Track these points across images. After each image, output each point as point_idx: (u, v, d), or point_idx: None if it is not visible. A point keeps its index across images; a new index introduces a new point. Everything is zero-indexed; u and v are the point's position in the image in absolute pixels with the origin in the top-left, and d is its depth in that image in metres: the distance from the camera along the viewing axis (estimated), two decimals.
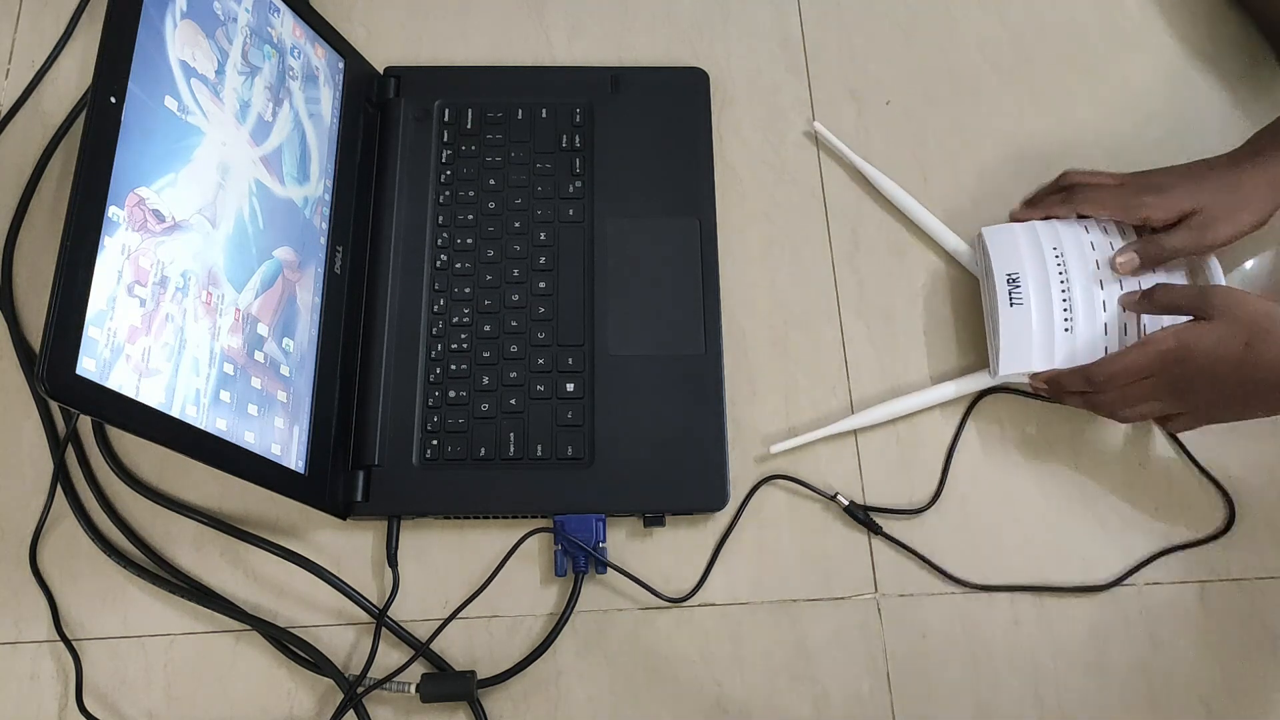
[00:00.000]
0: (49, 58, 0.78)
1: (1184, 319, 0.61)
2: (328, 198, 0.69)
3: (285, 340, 0.63)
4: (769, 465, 0.69)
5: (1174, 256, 0.65)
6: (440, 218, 0.73)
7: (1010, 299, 0.66)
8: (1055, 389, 0.66)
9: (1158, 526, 0.68)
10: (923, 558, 0.67)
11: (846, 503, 0.67)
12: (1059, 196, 0.69)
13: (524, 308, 0.71)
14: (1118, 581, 0.66)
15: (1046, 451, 0.70)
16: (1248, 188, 0.64)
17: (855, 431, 0.70)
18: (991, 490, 0.69)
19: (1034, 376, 0.67)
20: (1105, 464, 0.69)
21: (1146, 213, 0.65)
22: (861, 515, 0.67)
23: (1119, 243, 0.67)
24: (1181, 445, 0.69)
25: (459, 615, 0.64)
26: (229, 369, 0.58)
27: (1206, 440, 0.69)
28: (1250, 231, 0.64)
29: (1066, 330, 0.65)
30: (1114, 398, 0.63)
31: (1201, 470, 0.69)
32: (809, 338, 0.72)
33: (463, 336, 0.70)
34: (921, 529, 0.68)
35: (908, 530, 0.68)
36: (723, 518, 0.68)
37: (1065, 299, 0.66)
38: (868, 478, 0.69)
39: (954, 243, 0.74)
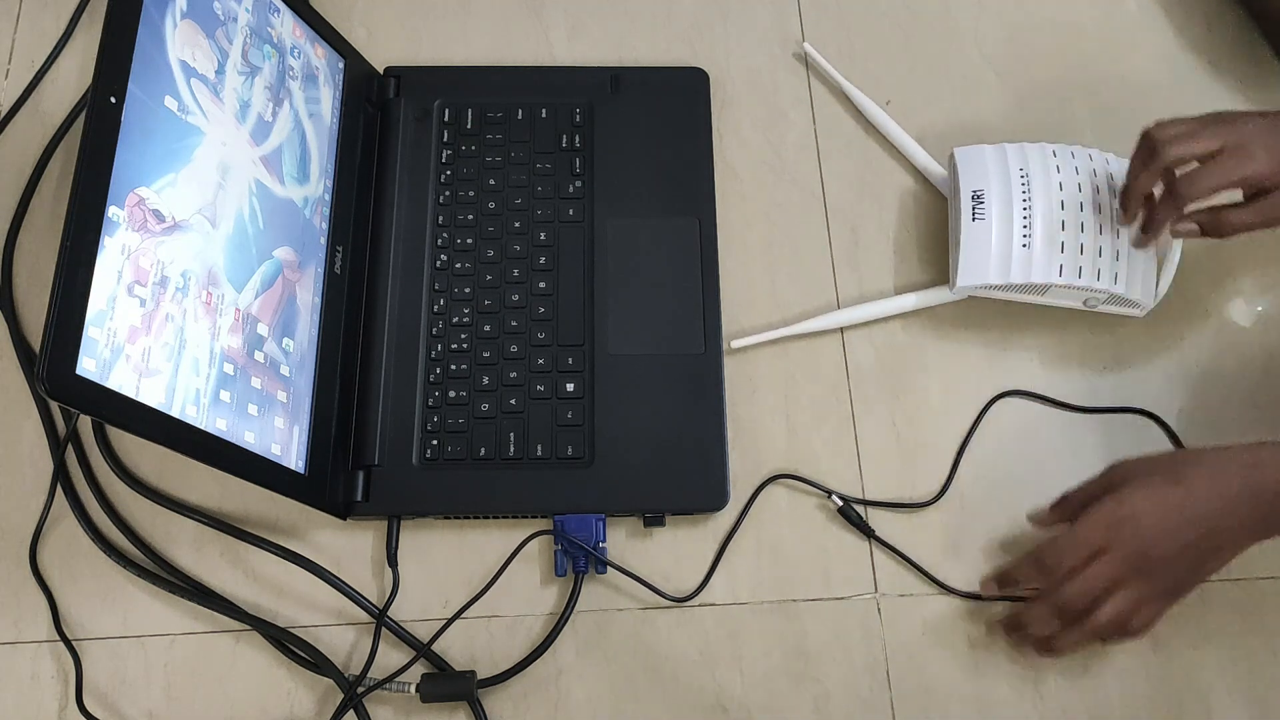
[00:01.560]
0: (49, 58, 0.78)
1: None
2: (328, 198, 0.69)
3: (285, 340, 0.63)
4: (734, 360, 0.70)
5: (1241, 232, 0.62)
6: (440, 218, 0.73)
7: (973, 214, 0.68)
8: (1009, 586, 0.64)
9: None
10: (915, 565, 0.67)
11: (840, 504, 0.67)
12: (1166, 201, 0.63)
13: (524, 308, 0.71)
14: None
15: (1054, 455, 0.70)
16: None
17: (833, 330, 0.72)
18: (995, 490, 0.69)
19: (984, 584, 0.65)
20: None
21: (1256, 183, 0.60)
22: (855, 517, 0.67)
23: (1085, 166, 0.69)
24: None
25: (459, 616, 0.64)
26: (229, 369, 0.58)
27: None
28: None
29: (1024, 246, 0.67)
30: (1077, 589, 0.59)
31: None
32: (809, 337, 0.72)
33: (463, 336, 0.70)
34: (922, 525, 0.68)
35: (909, 525, 0.68)
36: (723, 518, 0.68)
37: (1026, 217, 0.67)
38: (868, 475, 0.69)
39: (933, 167, 0.75)
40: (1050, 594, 0.60)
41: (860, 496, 0.68)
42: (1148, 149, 0.63)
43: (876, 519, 0.68)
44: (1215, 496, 0.57)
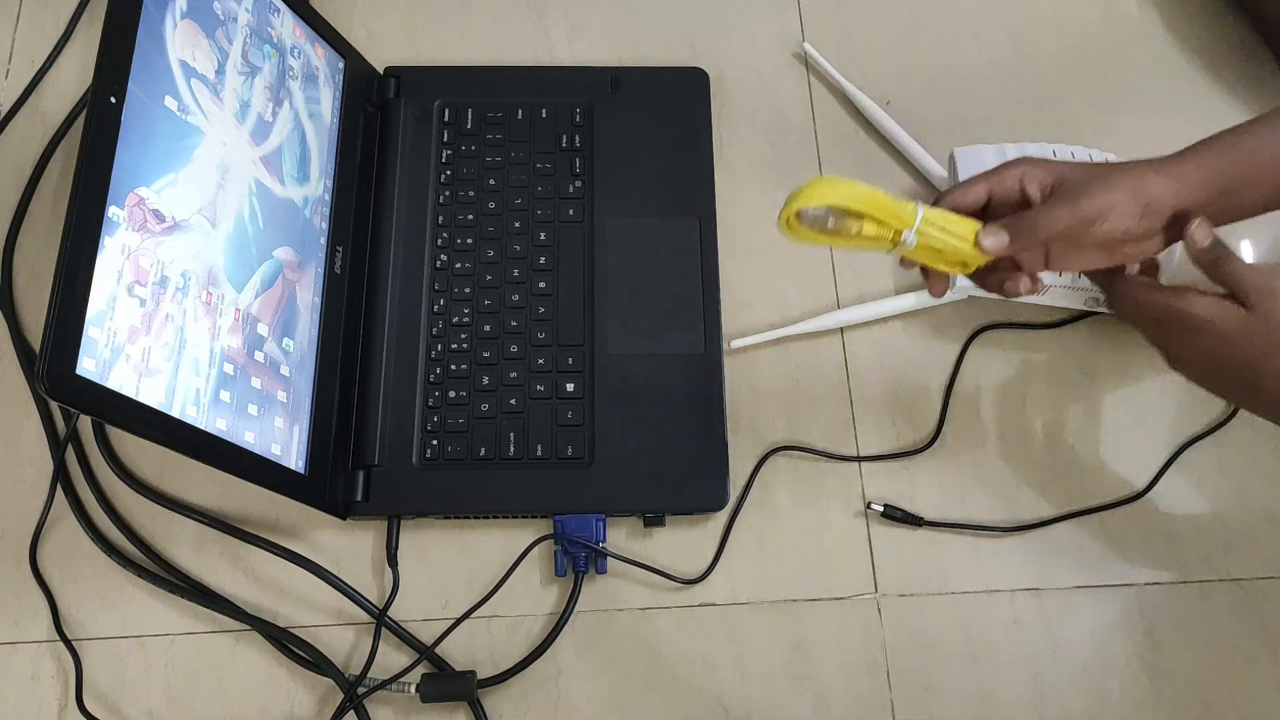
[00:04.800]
0: (49, 58, 0.78)
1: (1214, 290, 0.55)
2: (328, 198, 0.69)
3: (285, 340, 0.63)
4: (734, 360, 0.71)
5: (1049, 232, 0.54)
6: (440, 218, 0.73)
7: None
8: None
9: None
10: (966, 524, 0.67)
11: (882, 508, 0.67)
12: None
13: (524, 308, 0.71)
14: (1152, 485, 0.68)
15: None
16: (1119, 171, 0.54)
17: (833, 330, 0.72)
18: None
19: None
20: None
21: (1021, 181, 0.55)
22: (900, 515, 0.67)
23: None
24: None
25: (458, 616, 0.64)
26: (229, 369, 0.58)
27: None
28: (1128, 219, 0.54)
29: None
30: (1116, 299, 0.58)
31: None
32: (809, 337, 0.72)
33: (463, 336, 0.70)
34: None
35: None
36: (723, 516, 0.68)
37: None
38: (868, 474, 0.69)
39: (933, 167, 0.75)
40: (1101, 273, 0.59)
41: (860, 491, 0.68)
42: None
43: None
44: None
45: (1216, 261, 0.55)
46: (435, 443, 0.67)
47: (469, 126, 0.75)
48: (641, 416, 0.68)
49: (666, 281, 0.71)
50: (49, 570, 0.67)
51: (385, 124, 0.75)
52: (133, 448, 0.69)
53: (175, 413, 0.54)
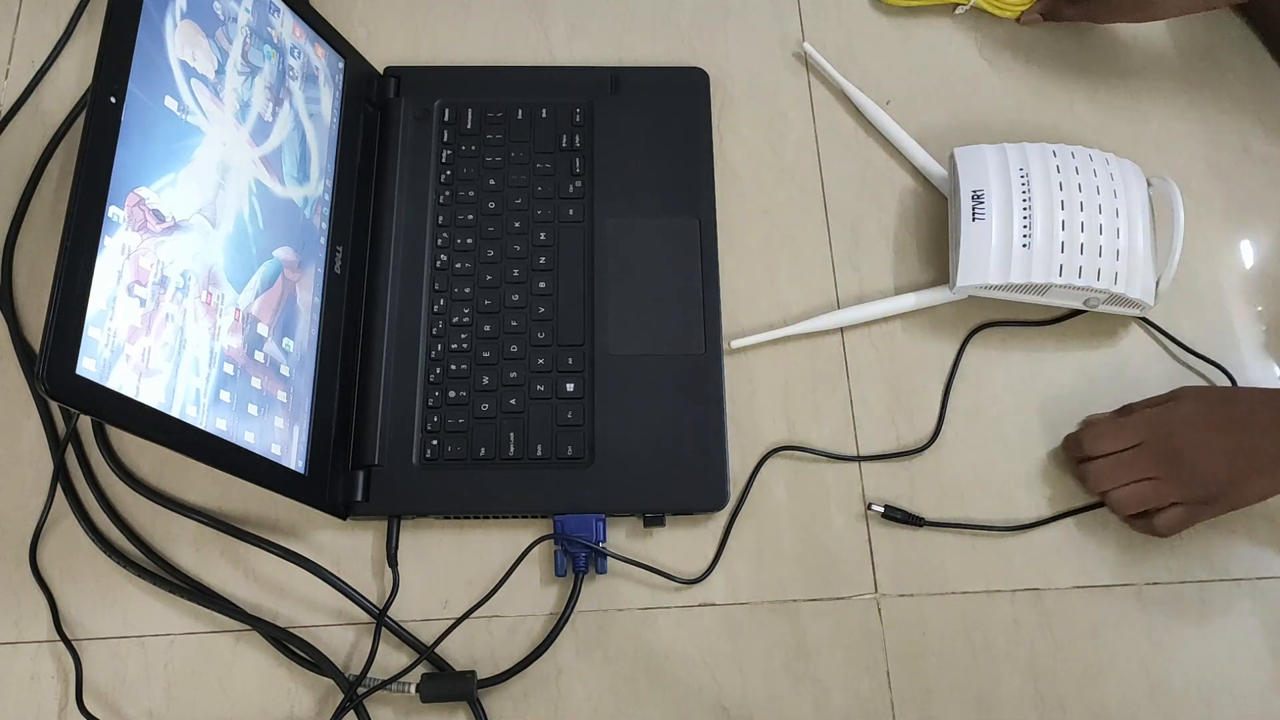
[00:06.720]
0: (49, 58, 0.78)
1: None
2: (328, 198, 0.69)
3: (285, 340, 0.63)
4: (734, 360, 0.71)
5: (1074, 16, 0.73)
6: (440, 218, 0.73)
7: (973, 214, 0.69)
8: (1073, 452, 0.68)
9: None
10: (968, 525, 0.67)
11: (882, 508, 0.67)
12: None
13: (524, 308, 0.71)
14: None
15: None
16: None
17: (833, 330, 0.72)
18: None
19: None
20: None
21: None
22: (900, 515, 0.67)
23: (1085, 166, 0.69)
24: (1171, 337, 0.72)
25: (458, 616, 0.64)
26: (229, 369, 0.58)
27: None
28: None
29: (1024, 246, 0.68)
30: (1105, 468, 0.65)
31: (1195, 354, 0.71)
32: (809, 337, 0.72)
33: (463, 336, 0.70)
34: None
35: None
36: (723, 518, 0.68)
37: (1026, 217, 0.68)
38: (868, 474, 0.69)
39: (933, 167, 0.76)
40: (1081, 473, 0.66)
41: (860, 491, 0.69)
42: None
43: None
44: (1263, 415, 0.60)
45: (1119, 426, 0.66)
46: (435, 443, 0.67)
47: (469, 126, 0.75)
48: (641, 417, 0.68)
49: (666, 281, 0.71)
50: (49, 570, 0.67)
51: (385, 124, 0.75)
52: (133, 448, 0.69)
53: (175, 413, 0.54)
